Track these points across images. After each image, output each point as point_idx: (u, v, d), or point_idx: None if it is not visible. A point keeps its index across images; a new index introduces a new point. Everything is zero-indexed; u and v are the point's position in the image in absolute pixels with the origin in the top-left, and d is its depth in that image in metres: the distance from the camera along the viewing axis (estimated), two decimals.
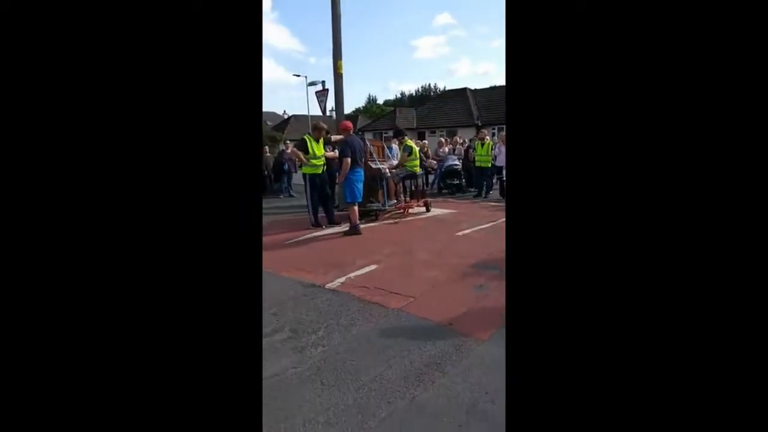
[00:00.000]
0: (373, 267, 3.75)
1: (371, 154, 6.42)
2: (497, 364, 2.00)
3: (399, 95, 66.37)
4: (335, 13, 7.02)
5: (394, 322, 2.59)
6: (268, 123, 34.24)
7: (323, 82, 11.26)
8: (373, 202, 6.28)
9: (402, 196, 7.05)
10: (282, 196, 9.94)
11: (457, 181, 9.62)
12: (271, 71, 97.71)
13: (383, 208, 6.31)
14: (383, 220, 6.23)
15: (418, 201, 6.96)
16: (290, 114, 37.78)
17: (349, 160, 5.16)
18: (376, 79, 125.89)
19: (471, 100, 25.33)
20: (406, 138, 6.85)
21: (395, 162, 6.76)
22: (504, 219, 5.95)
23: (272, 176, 10.65)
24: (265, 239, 4.81)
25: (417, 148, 6.86)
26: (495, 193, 8.95)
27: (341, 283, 3.36)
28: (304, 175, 5.70)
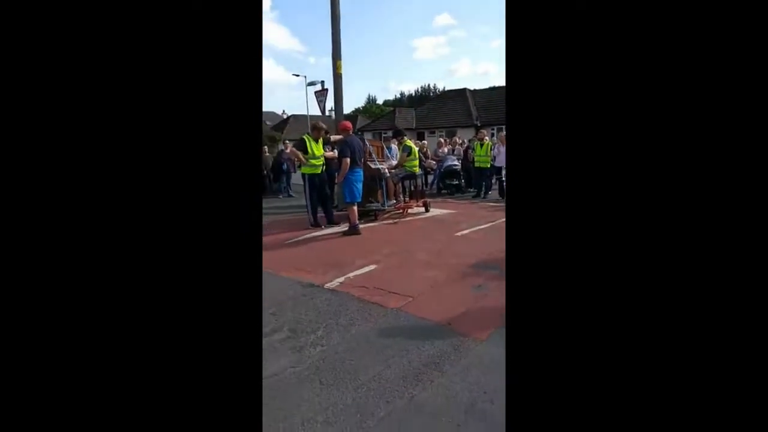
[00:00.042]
0: (372, 267, 3.76)
1: (370, 155, 6.42)
2: (496, 364, 2.01)
3: (398, 95, 66.57)
4: (335, 13, 7.02)
5: (393, 321, 2.60)
6: (268, 123, 34.23)
7: (322, 82, 11.29)
8: (372, 203, 6.29)
9: (401, 196, 7.05)
10: (281, 196, 9.94)
11: (456, 182, 9.62)
12: (270, 71, 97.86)
13: (382, 208, 6.31)
14: (382, 221, 6.23)
15: (417, 201, 6.96)
16: (289, 114, 37.80)
17: (348, 160, 5.16)
18: (375, 79, 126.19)
19: (470, 101, 25.36)
20: (405, 138, 6.85)
21: (394, 162, 6.76)
22: (503, 219, 5.96)
23: (271, 176, 10.64)
24: (265, 239, 4.80)
25: (416, 149, 6.86)
26: (494, 193, 8.96)
27: (340, 283, 3.36)
28: (303, 175, 5.70)
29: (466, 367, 2.01)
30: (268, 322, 2.59)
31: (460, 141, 11.49)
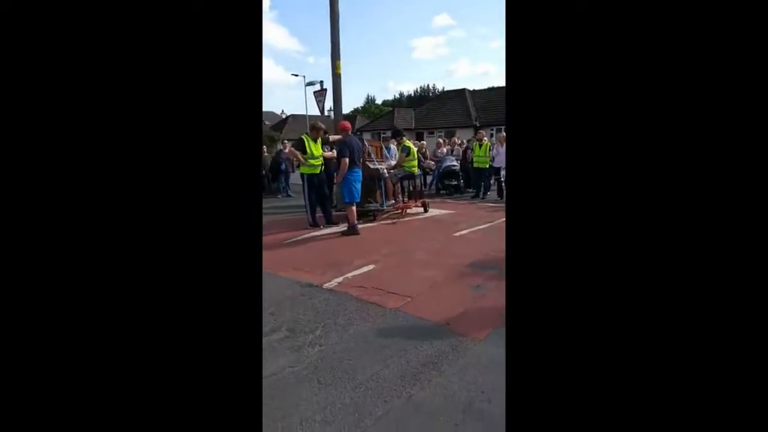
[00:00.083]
0: (370, 267, 3.76)
1: (369, 155, 6.43)
2: (493, 364, 2.01)
3: (397, 95, 66.51)
4: (333, 12, 7.02)
5: (392, 321, 2.60)
6: (266, 123, 34.15)
7: (321, 82, 11.29)
8: (371, 203, 6.29)
9: (400, 196, 7.06)
10: (280, 196, 9.94)
11: (455, 182, 9.64)
12: (269, 71, 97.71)
13: (381, 208, 6.32)
14: (381, 221, 6.23)
15: (416, 201, 6.97)
16: (288, 114, 37.73)
17: (347, 160, 5.17)
18: (374, 79, 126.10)
19: (469, 101, 25.38)
20: (404, 138, 6.86)
21: (393, 162, 6.77)
22: (501, 220, 5.98)
23: (269, 176, 10.65)
24: (263, 239, 4.80)
25: (415, 149, 6.87)
26: (492, 194, 8.97)
27: (339, 282, 3.36)
28: (302, 175, 5.70)
29: (464, 366, 2.02)
30: (266, 322, 2.59)
31: (459, 141, 11.51)
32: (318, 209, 5.84)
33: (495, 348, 2.16)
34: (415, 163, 6.73)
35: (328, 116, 12.48)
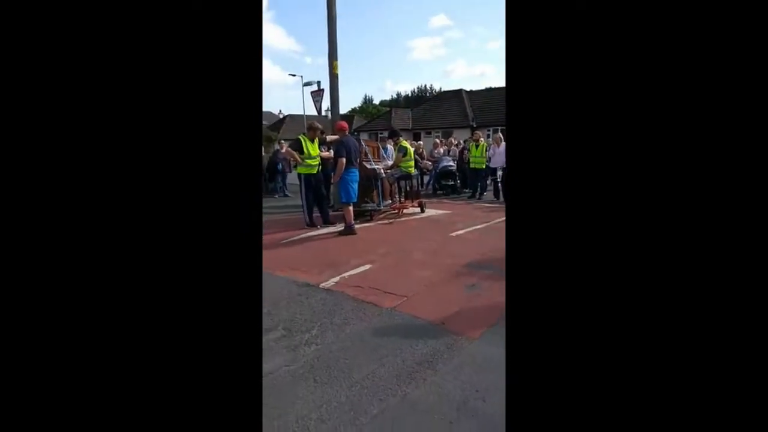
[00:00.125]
0: (367, 267, 3.77)
1: (366, 155, 6.44)
2: (488, 363, 2.04)
3: (395, 96, 66.58)
4: (331, 13, 7.02)
5: (388, 321, 2.62)
6: (264, 122, 34.08)
7: (319, 82, 11.29)
8: (368, 203, 6.30)
9: (397, 196, 7.07)
10: (277, 196, 9.92)
11: (452, 182, 9.66)
12: (267, 71, 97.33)
13: (378, 208, 6.33)
14: (378, 221, 6.24)
15: (412, 201, 6.99)
16: (285, 114, 37.64)
17: (344, 160, 5.17)
18: (372, 80, 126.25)
19: (466, 102, 25.41)
20: (401, 139, 6.88)
21: (390, 162, 6.78)
22: (498, 220, 6.01)
23: (266, 176, 10.64)
24: None
25: (412, 149, 6.89)
26: (489, 194, 9.00)
27: (335, 282, 3.37)
28: (299, 175, 5.70)
29: (459, 365, 2.04)
30: (263, 322, 2.60)
31: (456, 142, 11.53)
32: (315, 209, 5.85)
33: (489, 347, 2.18)
34: (412, 163, 6.75)
35: (326, 116, 12.47)
